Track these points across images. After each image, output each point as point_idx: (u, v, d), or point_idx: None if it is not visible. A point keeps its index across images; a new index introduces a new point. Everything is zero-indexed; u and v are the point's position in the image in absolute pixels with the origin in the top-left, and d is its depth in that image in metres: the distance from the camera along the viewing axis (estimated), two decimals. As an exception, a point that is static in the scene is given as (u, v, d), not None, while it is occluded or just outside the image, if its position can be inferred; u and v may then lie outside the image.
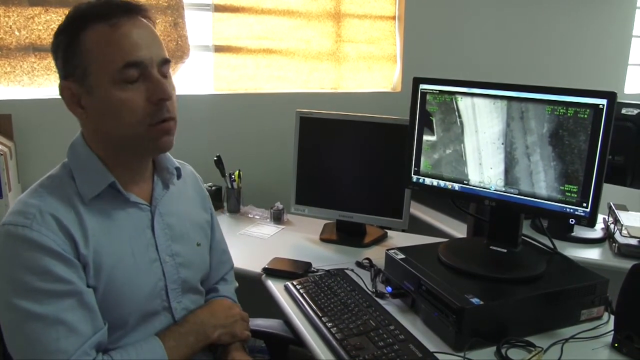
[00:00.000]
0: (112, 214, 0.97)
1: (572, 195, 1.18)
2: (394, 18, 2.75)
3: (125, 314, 0.96)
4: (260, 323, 1.34)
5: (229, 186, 2.07)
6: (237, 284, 1.34)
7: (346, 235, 1.79)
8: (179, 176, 1.12)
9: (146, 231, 1.02)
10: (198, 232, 1.16)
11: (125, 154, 0.99)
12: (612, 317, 1.15)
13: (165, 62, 0.96)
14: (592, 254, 1.70)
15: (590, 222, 1.17)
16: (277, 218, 1.97)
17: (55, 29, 0.95)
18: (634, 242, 1.69)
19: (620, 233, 1.72)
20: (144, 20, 0.96)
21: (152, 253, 1.02)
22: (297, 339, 1.26)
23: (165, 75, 0.96)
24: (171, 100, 0.96)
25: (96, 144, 0.98)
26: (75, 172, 0.96)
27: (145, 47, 0.92)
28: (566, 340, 1.12)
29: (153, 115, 0.93)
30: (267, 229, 1.90)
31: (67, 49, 0.92)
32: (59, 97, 0.96)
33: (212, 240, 1.23)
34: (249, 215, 2.04)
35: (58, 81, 0.96)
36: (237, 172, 2.09)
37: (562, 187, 1.19)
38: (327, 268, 1.48)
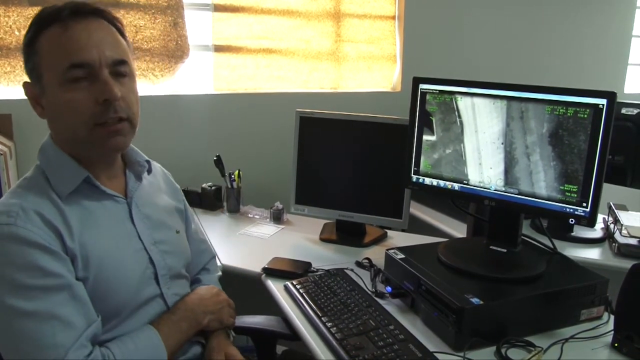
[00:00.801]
0: (90, 207, 0.99)
1: (572, 195, 1.18)
2: (393, 18, 2.75)
3: (118, 303, 0.97)
4: (246, 320, 1.34)
5: (229, 186, 2.07)
6: (220, 273, 1.36)
7: (346, 235, 1.79)
8: (149, 170, 1.14)
9: (126, 223, 1.04)
10: (174, 220, 1.19)
11: (87, 152, 1.00)
12: (612, 317, 1.15)
13: (119, 62, 0.96)
14: (592, 254, 1.70)
15: (590, 222, 1.17)
16: (277, 218, 1.97)
17: None
18: (633, 242, 1.69)
19: (620, 233, 1.72)
20: (102, 22, 0.97)
21: (135, 243, 1.04)
22: (285, 334, 1.27)
23: (125, 75, 0.97)
24: (123, 101, 0.96)
25: (63, 143, 0.99)
26: (48, 173, 0.97)
27: (94, 49, 0.93)
28: (566, 340, 1.12)
29: (99, 115, 0.94)
30: (267, 229, 1.90)
31: (26, 50, 0.96)
32: None
33: (187, 230, 1.26)
34: (249, 215, 2.04)
35: None
36: (236, 172, 2.08)
37: (562, 187, 1.19)
38: (326, 268, 1.48)
